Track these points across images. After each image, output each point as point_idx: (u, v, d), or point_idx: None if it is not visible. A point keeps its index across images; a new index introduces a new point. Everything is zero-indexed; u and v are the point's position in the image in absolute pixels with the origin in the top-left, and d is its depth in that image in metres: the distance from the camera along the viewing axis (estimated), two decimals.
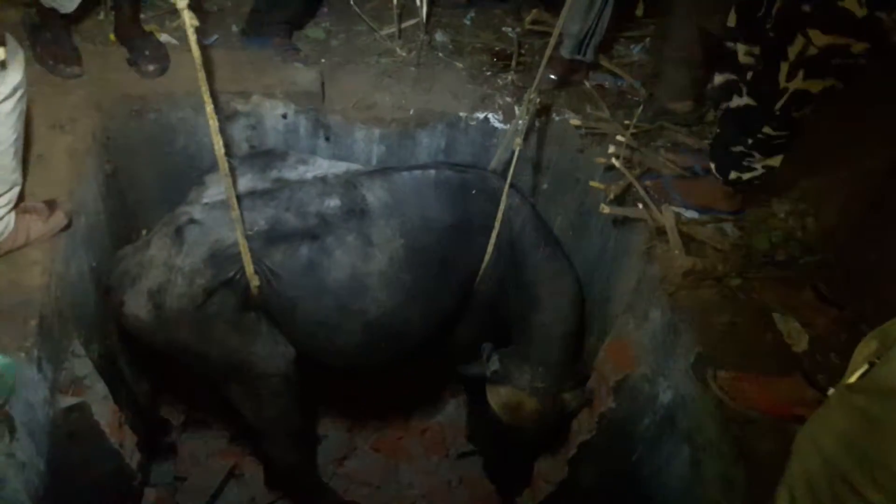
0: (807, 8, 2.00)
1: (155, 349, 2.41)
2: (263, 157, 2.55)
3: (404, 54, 3.20)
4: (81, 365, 2.23)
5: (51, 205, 2.17)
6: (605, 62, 3.24)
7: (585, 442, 2.73)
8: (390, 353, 2.62)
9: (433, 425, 3.53)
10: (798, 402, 1.94)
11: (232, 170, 2.06)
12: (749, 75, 2.30)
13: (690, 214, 2.59)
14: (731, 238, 2.52)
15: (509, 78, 3.15)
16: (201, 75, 1.72)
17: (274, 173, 2.44)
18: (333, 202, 2.36)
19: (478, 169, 2.76)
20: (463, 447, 3.45)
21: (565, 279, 2.80)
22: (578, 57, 3.03)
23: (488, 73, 3.18)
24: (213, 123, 1.83)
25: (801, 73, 2.07)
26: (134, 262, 2.29)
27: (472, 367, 2.83)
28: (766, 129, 2.26)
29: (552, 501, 2.96)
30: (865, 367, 1.21)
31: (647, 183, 2.66)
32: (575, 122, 2.94)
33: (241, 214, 2.08)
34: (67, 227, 2.22)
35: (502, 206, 2.51)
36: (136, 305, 2.24)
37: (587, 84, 3.15)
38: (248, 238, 2.14)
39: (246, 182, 2.36)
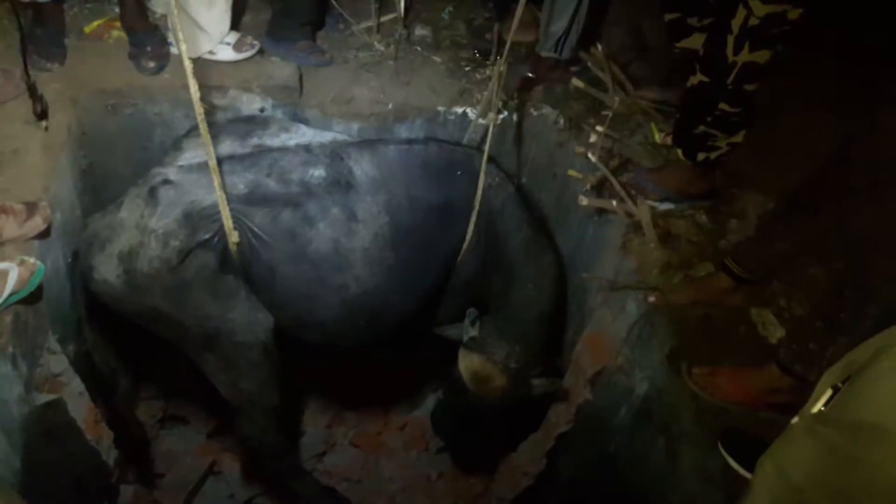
0: None
1: (126, 317, 2.30)
2: (245, 123, 2.50)
3: (382, 48, 3.20)
4: (57, 361, 2.20)
5: (30, 207, 2.09)
6: (583, 55, 3.26)
7: (563, 434, 2.75)
8: (369, 332, 2.59)
9: (413, 420, 3.53)
10: (773, 392, 1.97)
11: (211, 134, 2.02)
12: (700, 52, 2.34)
13: (665, 206, 2.62)
14: (705, 230, 2.55)
15: (487, 73, 3.15)
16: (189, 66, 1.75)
17: (255, 140, 2.37)
18: (318, 172, 2.32)
19: (466, 148, 2.76)
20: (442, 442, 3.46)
21: (546, 259, 2.79)
22: (555, 55, 3.05)
23: (467, 68, 3.19)
24: (193, 85, 1.82)
25: (746, 46, 2.14)
26: (103, 225, 2.18)
27: (450, 329, 2.76)
28: (723, 106, 2.31)
29: (531, 494, 2.97)
30: (829, 392, 1.16)
31: (622, 179, 2.68)
32: (551, 117, 2.96)
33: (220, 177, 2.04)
34: (46, 233, 2.15)
35: (481, 184, 2.51)
36: (106, 270, 2.14)
37: (563, 81, 3.17)
38: (227, 200, 2.10)
39: (226, 147, 2.29)
